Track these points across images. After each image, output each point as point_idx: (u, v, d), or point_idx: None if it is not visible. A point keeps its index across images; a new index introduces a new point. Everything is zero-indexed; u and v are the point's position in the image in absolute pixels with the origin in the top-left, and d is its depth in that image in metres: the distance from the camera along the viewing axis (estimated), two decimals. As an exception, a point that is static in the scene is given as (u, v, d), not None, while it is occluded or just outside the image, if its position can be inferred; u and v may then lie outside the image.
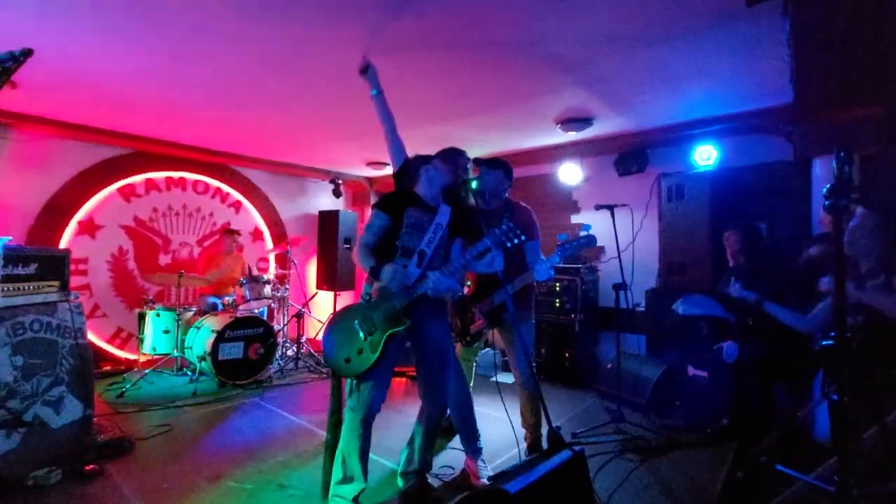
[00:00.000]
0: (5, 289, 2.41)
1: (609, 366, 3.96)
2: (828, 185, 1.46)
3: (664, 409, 3.51)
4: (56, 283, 2.70)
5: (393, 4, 2.16)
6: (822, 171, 3.50)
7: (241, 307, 4.40)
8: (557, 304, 4.50)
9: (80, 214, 4.53)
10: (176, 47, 2.65)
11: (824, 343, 1.42)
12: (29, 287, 2.54)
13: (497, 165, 2.68)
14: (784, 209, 3.76)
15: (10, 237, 2.57)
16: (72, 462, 2.47)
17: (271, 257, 6.04)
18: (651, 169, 4.49)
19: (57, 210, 4.36)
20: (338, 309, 2.11)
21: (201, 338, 3.98)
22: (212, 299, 4.59)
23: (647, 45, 2.57)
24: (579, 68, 2.91)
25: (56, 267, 2.72)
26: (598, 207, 3.41)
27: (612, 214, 3.37)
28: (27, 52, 0.93)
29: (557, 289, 4.51)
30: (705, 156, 4.00)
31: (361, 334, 2.03)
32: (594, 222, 4.77)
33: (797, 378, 2.98)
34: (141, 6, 2.21)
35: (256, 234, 5.96)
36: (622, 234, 3.65)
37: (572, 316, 4.40)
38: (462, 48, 2.62)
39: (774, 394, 3.01)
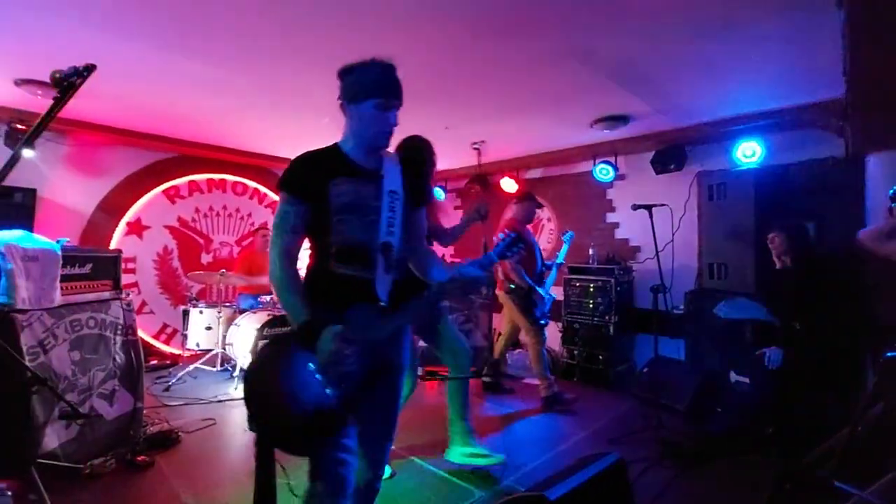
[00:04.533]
0: (64, 287, 2.55)
1: (646, 370, 3.86)
2: None
3: (705, 416, 3.39)
4: (109, 282, 2.85)
5: (440, 14, 2.17)
6: (877, 168, 3.30)
7: (278, 305, 4.51)
8: (591, 305, 4.42)
9: (129, 215, 4.77)
10: (223, 61, 2.76)
11: (890, 354, 1.34)
12: (85, 286, 2.69)
13: None
14: (835, 208, 3.57)
15: (68, 238, 2.72)
16: (124, 452, 2.60)
17: (305, 257, 6.17)
18: (690, 167, 4.34)
19: (108, 211, 4.60)
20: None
21: (242, 334, 4.12)
22: (251, 298, 4.74)
23: (690, 40, 2.49)
24: (616, 67, 2.84)
25: (109, 267, 2.87)
26: (636, 207, 3.32)
27: (651, 214, 3.28)
28: (90, 68, 0.98)
29: (591, 289, 4.43)
30: (749, 153, 3.83)
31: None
32: (630, 221, 4.69)
33: (846, 386, 2.83)
34: (192, 23, 2.32)
35: (292, 234, 6.11)
36: (660, 234, 3.54)
37: (606, 318, 4.31)
38: (505, 53, 2.61)
39: (822, 402, 2.86)
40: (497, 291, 4.00)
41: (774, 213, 3.48)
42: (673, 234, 4.18)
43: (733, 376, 3.35)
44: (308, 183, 1.30)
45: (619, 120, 3.86)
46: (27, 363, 2.19)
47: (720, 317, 3.41)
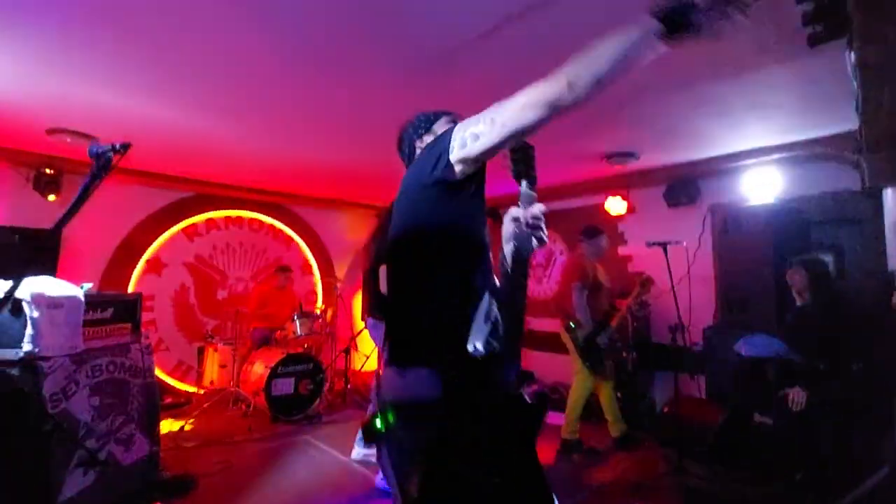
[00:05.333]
0: (86, 332, 2.59)
1: (666, 409, 3.76)
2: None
3: (729, 459, 3.27)
4: (129, 325, 2.90)
5: (448, 61, 2.25)
6: (894, 201, 3.27)
7: (291, 342, 4.53)
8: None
9: (148, 254, 4.87)
10: (241, 111, 2.87)
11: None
12: (105, 330, 2.73)
13: None
14: (854, 241, 3.52)
15: (91, 283, 2.79)
16: (140, 499, 2.59)
17: (319, 291, 6.22)
18: (703, 200, 4.33)
19: (129, 250, 4.71)
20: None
21: (255, 373, 4.13)
22: (264, 334, 4.76)
23: (698, 83, 2.53)
24: (625, 108, 2.89)
25: (129, 310, 2.92)
26: (650, 245, 3.31)
27: (665, 252, 3.26)
28: (126, 146, 1.03)
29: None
30: (762, 186, 3.82)
31: None
32: (643, 255, 4.66)
33: (875, 427, 2.72)
34: (214, 74, 2.42)
35: (306, 268, 6.18)
36: (675, 268, 3.50)
37: (624, 354, 4.23)
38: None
39: (852, 445, 2.75)
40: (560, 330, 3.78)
41: (792, 247, 3.44)
42: (689, 268, 4.14)
43: (757, 416, 3.24)
44: None
45: (629, 155, 3.89)
46: (50, 410, 2.22)
47: (741, 354, 3.33)
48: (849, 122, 2.89)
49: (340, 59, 2.22)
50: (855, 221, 3.51)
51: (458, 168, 1.04)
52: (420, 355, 1.06)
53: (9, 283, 1.16)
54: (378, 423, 1.03)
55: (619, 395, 4.19)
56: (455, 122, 1.20)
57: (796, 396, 2.74)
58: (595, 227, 3.85)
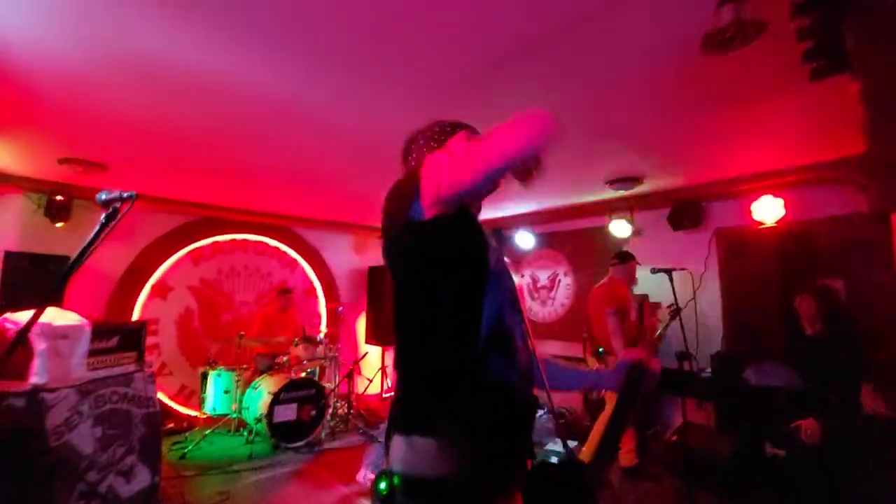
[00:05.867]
0: (90, 363, 2.60)
1: (675, 438, 3.68)
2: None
3: (741, 492, 3.19)
4: (133, 353, 2.90)
5: (459, 88, 2.27)
6: (904, 225, 3.24)
7: (294, 367, 4.50)
8: (614, 366, 4.29)
9: (154, 278, 4.89)
10: (248, 139, 2.92)
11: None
12: (110, 359, 2.74)
13: None
14: (863, 264, 3.49)
15: (97, 316, 2.79)
16: (139, 534, 2.55)
17: (323, 315, 6.21)
18: (708, 223, 4.32)
19: (135, 275, 4.74)
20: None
21: (257, 399, 4.10)
22: (267, 358, 4.74)
23: (701, 111, 2.55)
24: (628, 135, 2.91)
25: (134, 338, 2.92)
26: (655, 271, 3.28)
27: (671, 279, 3.23)
28: (133, 196, 1.04)
29: (613, 349, 4.31)
30: (768, 210, 3.81)
31: None
32: (649, 277, 4.63)
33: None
34: (224, 99, 2.47)
35: (310, 291, 6.18)
36: (681, 291, 3.46)
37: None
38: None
39: (869, 481, 2.67)
40: (587, 356, 3.70)
41: (800, 272, 3.41)
42: (695, 293, 4.11)
43: (769, 448, 3.17)
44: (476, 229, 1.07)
45: (633, 180, 3.90)
46: (52, 444, 2.21)
47: (750, 383, 3.28)
48: (854, 147, 2.90)
49: (350, 85, 2.25)
50: (864, 245, 3.48)
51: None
52: (425, 422, 0.94)
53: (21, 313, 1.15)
54: (383, 485, 0.97)
55: (634, 419, 4.12)
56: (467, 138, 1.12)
57: (809, 428, 2.68)
58: (626, 251, 3.83)
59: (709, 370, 3.85)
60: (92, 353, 2.60)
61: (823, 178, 3.57)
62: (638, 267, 4.40)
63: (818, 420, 2.66)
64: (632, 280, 3.71)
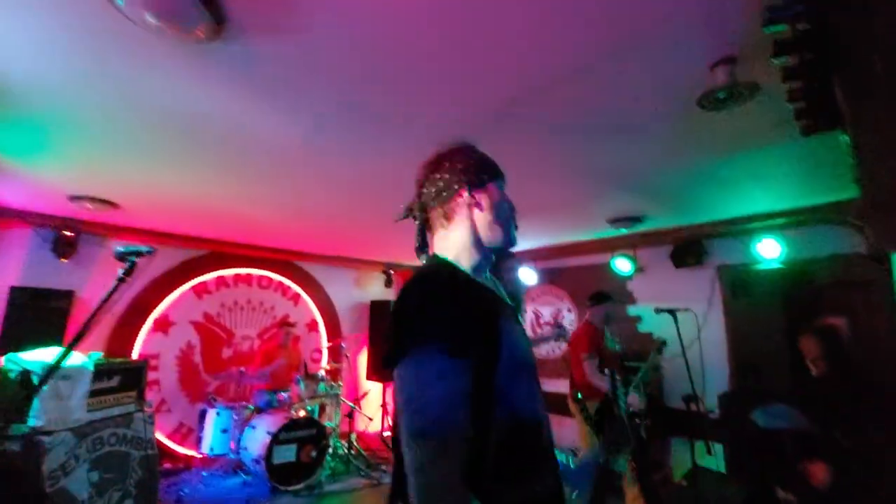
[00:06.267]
0: (91, 403, 2.57)
1: (684, 483, 3.59)
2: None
3: (755, 542, 3.08)
4: (133, 392, 2.88)
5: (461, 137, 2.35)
6: (905, 265, 3.26)
7: (294, 405, 4.44)
8: (620, 405, 4.22)
9: (157, 312, 4.89)
10: (256, 178, 2.98)
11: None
12: (110, 399, 2.71)
13: None
14: (865, 303, 3.49)
15: (101, 352, 2.79)
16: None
17: (325, 350, 6.17)
18: (709, 260, 4.34)
19: (138, 309, 4.74)
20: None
21: (256, 439, 4.01)
22: (267, 395, 4.67)
23: (699, 158, 2.61)
24: (631, 179, 2.97)
25: (136, 377, 2.91)
26: (658, 311, 3.28)
27: (675, 318, 3.23)
28: (151, 250, 1.07)
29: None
30: (769, 249, 3.84)
31: None
32: (653, 315, 4.61)
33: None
34: (235, 146, 2.54)
35: (312, 326, 6.16)
36: (685, 330, 3.43)
37: (636, 420, 4.09)
38: (527, 167, 2.77)
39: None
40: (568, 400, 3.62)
41: (803, 311, 3.41)
42: (699, 332, 4.08)
43: (780, 493, 3.08)
44: (476, 327, 0.89)
45: (634, 220, 3.95)
46: (47, 490, 2.16)
47: (758, 424, 3.21)
48: (850, 190, 2.95)
49: (358, 131, 2.32)
50: (865, 284, 3.50)
51: None
52: None
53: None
54: None
55: (633, 464, 4.02)
56: (502, 191, 1.08)
57: (819, 472, 2.62)
58: (602, 292, 3.77)
59: (717, 411, 3.79)
60: (93, 393, 2.58)
61: (823, 219, 3.62)
62: (640, 305, 4.41)
63: (826, 463, 2.61)
64: (606, 321, 3.65)
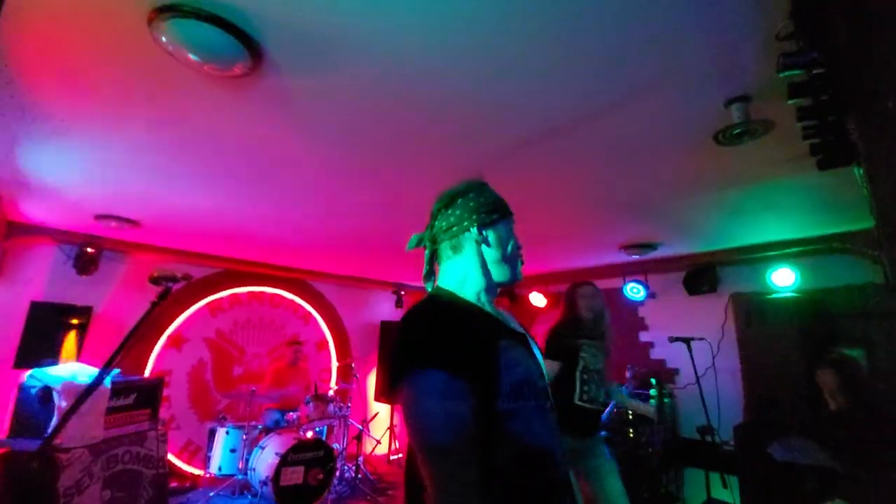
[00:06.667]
0: (107, 421, 2.60)
1: (700, 517, 3.50)
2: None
3: (774, 581, 2.98)
4: (148, 410, 2.91)
5: (480, 167, 2.40)
6: (923, 297, 3.22)
7: (303, 426, 4.42)
8: (632, 435, 4.15)
9: (171, 329, 4.95)
10: (278, 202, 3.06)
11: None
12: (126, 417, 2.74)
13: None
14: (882, 334, 3.43)
15: (119, 370, 2.83)
16: None
17: (334, 370, 6.16)
18: (723, 288, 4.31)
19: (154, 326, 4.80)
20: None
21: (264, 460, 3.99)
22: (276, 415, 4.67)
23: (712, 188, 2.64)
24: (646, 208, 3.00)
25: (151, 395, 2.95)
26: (672, 340, 3.25)
27: (689, 347, 3.20)
28: (188, 277, 1.11)
29: (631, 417, 4.19)
30: (784, 278, 3.81)
31: None
32: (666, 342, 4.57)
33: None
34: (262, 172, 2.62)
35: (322, 345, 6.17)
36: (699, 358, 3.38)
37: (650, 449, 4.02)
38: (542, 195, 2.81)
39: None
40: None
41: (819, 341, 3.36)
42: (714, 360, 4.04)
43: (801, 531, 2.99)
44: (474, 350, 0.91)
45: (647, 247, 3.96)
46: (61, 508, 2.18)
47: (774, 458, 3.14)
48: (866, 220, 2.95)
49: (377, 161, 2.39)
50: (882, 315, 3.45)
51: None
52: None
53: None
54: None
55: (645, 495, 3.93)
56: (510, 229, 1.14)
57: (842, 512, 2.55)
58: None
59: (732, 443, 3.71)
60: (109, 410, 2.62)
61: (838, 249, 3.60)
62: (652, 332, 4.36)
63: (847, 500, 2.54)
64: None
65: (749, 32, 1.32)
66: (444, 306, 1.02)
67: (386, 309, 6.84)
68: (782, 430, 3.29)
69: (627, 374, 4.55)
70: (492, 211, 1.11)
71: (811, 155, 1.70)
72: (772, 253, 3.86)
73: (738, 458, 3.63)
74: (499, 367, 0.90)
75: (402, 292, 6.66)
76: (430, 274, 1.16)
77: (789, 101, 1.24)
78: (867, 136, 1.66)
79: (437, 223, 1.14)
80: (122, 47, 1.44)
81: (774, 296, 3.78)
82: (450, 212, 1.12)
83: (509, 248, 1.11)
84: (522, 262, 1.16)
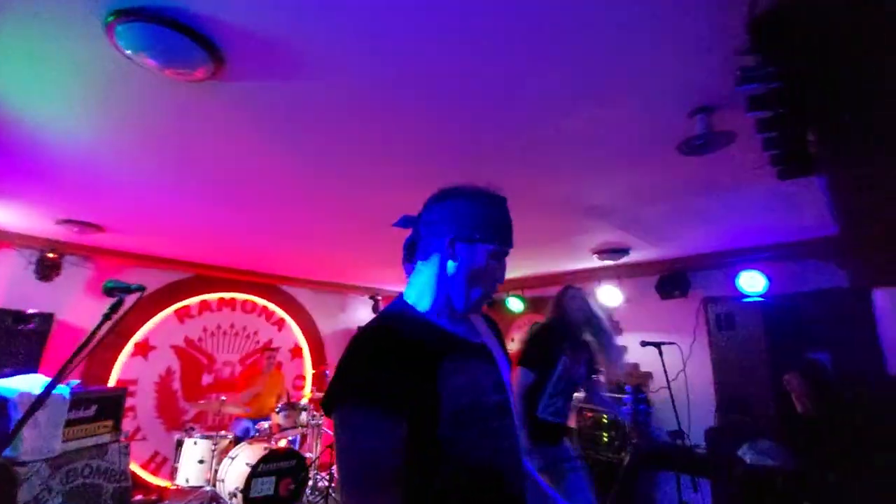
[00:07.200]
0: (66, 433, 2.49)
1: (671, 520, 3.54)
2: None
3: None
4: (110, 422, 2.79)
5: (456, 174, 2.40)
6: (885, 302, 3.34)
7: (275, 435, 4.32)
8: (605, 440, 4.19)
9: (138, 336, 4.78)
10: (246, 205, 2.99)
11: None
12: (86, 429, 2.63)
13: None
14: (848, 337, 3.55)
15: (78, 380, 2.72)
16: None
17: (308, 377, 6.06)
18: (694, 292, 4.41)
19: (120, 333, 4.62)
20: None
21: (234, 471, 3.88)
22: (246, 424, 4.55)
23: (682, 196, 2.70)
24: (615, 213, 3.05)
25: (113, 406, 2.83)
26: (644, 344, 3.31)
27: (660, 352, 3.26)
28: (141, 288, 1.07)
29: (605, 421, 4.24)
30: (753, 282, 3.91)
31: None
32: (639, 346, 4.65)
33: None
34: (229, 175, 2.56)
35: (296, 352, 6.06)
36: (671, 362, 3.43)
37: (622, 454, 4.07)
38: (514, 201, 2.81)
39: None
40: None
41: (788, 345, 3.45)
42: (685, 363, 4.12)
43: (770, 533, 3.06)
44: (405, 380, 0.88)
45: (619, 252, 4.02)
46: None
47: (745, 461, 3.21)
48: (830, 227, 3.05)
49: (348, 163, 2.36)
50: (848, 318, 3.56)
51: None
52: None
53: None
54: None
55: (617, 499, 3.96)
56: (493, 260, 1.04)
57: (808, 513, 2.61)
58: None
59: (703, 445, 3.78)
60: (69, 423, 2.50)
61: (806, 254, 3.71)
62: (626, 335, 4.42)
63: (813, 501, 2.61)
64: None
65: (710, 46, 1.35)
66: (389, 332, 0.96)
67: (362, 314, 6.77)
68: (753, 434, 3.37)
69: (601, 378, 4.58)
70: (478, 228, 1.02)
71: (772, 165, 1.75)
72: (741, 258, 3.96)
73: (710, 461, 3.69)
74: (439, 396, 0.88)
75: (379, 297, 6.60)
76: (409, 258, 1.12)
77: (748, 114, 1.27)
78: (826, 147, 1.72)
79: (425, 215, 1.09)
80: (78, 51, 1.38)
81: (745, 300, 3.88)
82: (436, 208, 1.06)
83: (477, 275, 1.01)
84: (489, 299, 1.06)
